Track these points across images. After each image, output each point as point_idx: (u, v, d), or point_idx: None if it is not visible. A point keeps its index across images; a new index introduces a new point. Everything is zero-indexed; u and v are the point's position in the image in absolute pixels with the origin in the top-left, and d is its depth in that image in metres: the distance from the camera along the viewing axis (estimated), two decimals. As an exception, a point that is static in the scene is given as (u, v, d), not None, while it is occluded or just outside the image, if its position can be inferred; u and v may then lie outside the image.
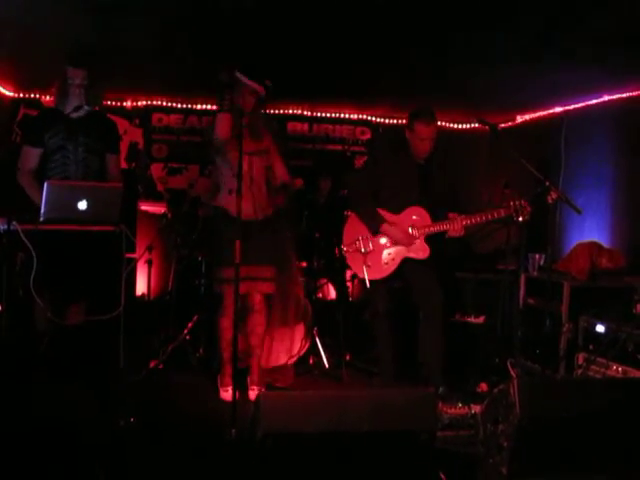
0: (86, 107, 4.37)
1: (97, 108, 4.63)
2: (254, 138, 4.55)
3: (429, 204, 4.63)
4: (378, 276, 4.64)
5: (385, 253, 4.65)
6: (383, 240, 4.65)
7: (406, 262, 4.64)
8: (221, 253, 4.50)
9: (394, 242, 4.62)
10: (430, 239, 4.61)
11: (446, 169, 4.76)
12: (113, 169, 4.61)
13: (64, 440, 3.46)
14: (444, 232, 4.56)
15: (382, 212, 4.64)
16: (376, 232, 4.64)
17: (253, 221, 4.53)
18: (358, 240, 4.68)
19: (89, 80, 4.41)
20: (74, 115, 4.39)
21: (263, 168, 4.66)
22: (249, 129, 4.44)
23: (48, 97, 4.69)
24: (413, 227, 4.60)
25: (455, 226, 4.51)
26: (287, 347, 5.23)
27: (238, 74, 4.44)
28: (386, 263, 4.64)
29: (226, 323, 4.56)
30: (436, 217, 4.59)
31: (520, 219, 4.43)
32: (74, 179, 4.25)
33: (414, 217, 4.62)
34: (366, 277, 4.57)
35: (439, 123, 4.84)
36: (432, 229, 4.58)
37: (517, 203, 4.44)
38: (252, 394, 4.63)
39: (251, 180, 4.52)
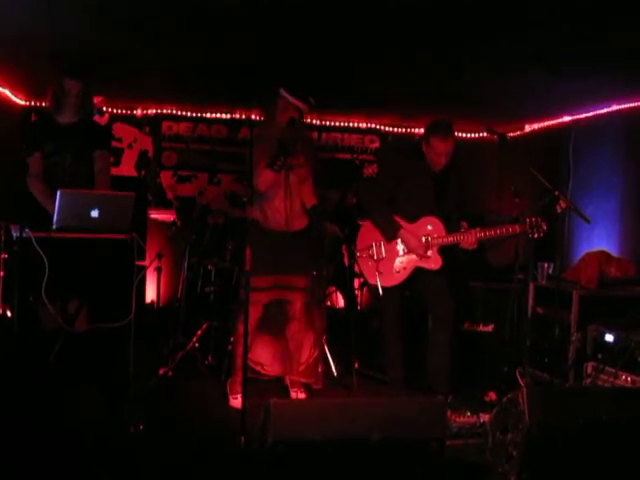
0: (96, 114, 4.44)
1: (106, 119, 4.67)
2: (294, 153, 4.61)
3: (444, 214, 4.63)
4: (389, 283, 4.65)
5: (397, 261, 4.66)
6: (396, 248, 4.66)
7: (418, 272, 4.64)
8: (250, 262, 4.55)
9: (408, 250, 4.63)
10: (443, 249, 4.61)
11: (462, 181, 4.75)
12: (98, 163, 4.56)
13: (73, 446, 3.48)
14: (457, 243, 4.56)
15: (397, 220, 4.64)
16: (392, 239, 4.64)
17: (285, 233, 4.62)
18: (372, 246, 4.69)
19: (84, 91, 4.44)
20: (64, 122, 4.44)
21: (299, 182, 4.70)
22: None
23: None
24: (427, 237, 4.60)
25: (469, 239, 4.49)
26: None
27: (283, 92, 4.54)
28: (397, 271, 4.65)
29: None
30: (450, 227, 4.58)
31: (535, 236, 4.43)
32: (61, 185, 4.23)
33: (429, 227, 4.61)
34: (379, 283, 4.58)
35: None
36: (446, 240, 4.56)
37: (533, 220, 4.43)
38: (294, 395, 4.81)
39: (286, 194, 4.58)
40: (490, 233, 4.50)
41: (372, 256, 4.67)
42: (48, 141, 4.41)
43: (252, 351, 5.03)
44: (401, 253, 4.66)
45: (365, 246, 4.73)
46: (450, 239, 4.55)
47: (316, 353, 5.26)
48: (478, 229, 4.50)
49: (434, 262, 4.60)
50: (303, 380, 5.00)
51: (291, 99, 4.53)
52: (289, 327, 4.88)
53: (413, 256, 4.62)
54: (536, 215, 4.45)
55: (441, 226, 4.60)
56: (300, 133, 4.70)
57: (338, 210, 6.53)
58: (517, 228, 4.47)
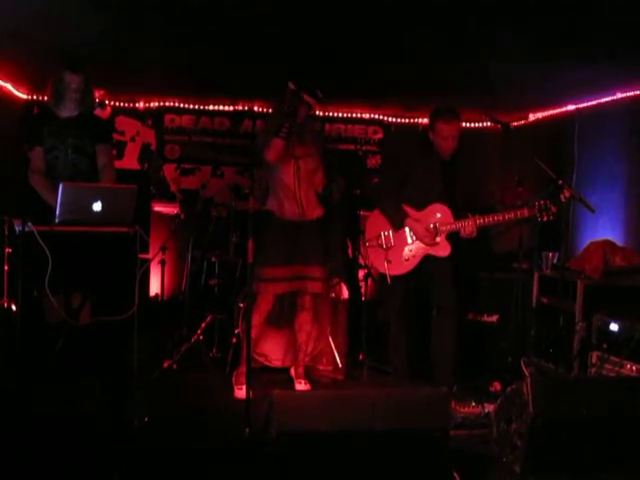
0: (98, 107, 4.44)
1: (109, 112, 4.66)
2: (302, 142, 4.71)
3: (452, 201, 4.62)
4: (398, 272, 4.65)
5: (406, 250, 4.65)
6: (405, 236, 4.65)
7: (426, 260, 4.64)
8: (264, 253, 4.57)
9: (416, 238, 4.62)
10: (452, 237, 4.60)
11: (470, 170, 4.75)
12: (102, 157, 4.53)
13: (78, 439, 3.48)
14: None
15: (405, 208, 4.64)
16: (399, 227, 4.64)
17: (301, 222, 4.69)
18: (380, 235, 4.69)
19: (84, 85, 4.42)
20: (64, 116, 4.42)
21: (310, 171, 4.77)
22: (298, 134, 4.65)
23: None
24: (435, 224, 4.59)
25: (467, 227, 4.49)
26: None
27: (292, 86, 4.60)
28: (407, 260, 4.65)
29: (255, 320, 4.61)
30: (458, 215, 4.58)
31: (545, 219, 4.41)
32: (61, 180, 4.21)
33: (437, 214, 4.61)
34: (387, 272, 4.59)
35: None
36: (454, 227, 4.56)
37: (542, 202, 4.41)
38: (299, 387, 4.82)
39: (298, 182, 4.66)
40: (489, 220, 4.49)
41: (381, 245, 4.68)
42: (49, 135, 4.39)
43: (260, 343, 5.05)
44: (410, 241, 4.65)
45: (374, 235, 4.74)
46: (458, 225, 4.55)
47: (327, 343, 5.27)
48: (477, 216, 4.50)
49: (443, 249, 4.60)
50: (320, 367, 5.09)
51: (300, 93, 4.59)
52: (298, 317, 4.91)
53: (422, 244, 4.62)
54: (546, 199, 4.43)
55: (449, 213, 4.59)
56: (309, 121, 4.79)
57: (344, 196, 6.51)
58: (526, 211, 4.45)
